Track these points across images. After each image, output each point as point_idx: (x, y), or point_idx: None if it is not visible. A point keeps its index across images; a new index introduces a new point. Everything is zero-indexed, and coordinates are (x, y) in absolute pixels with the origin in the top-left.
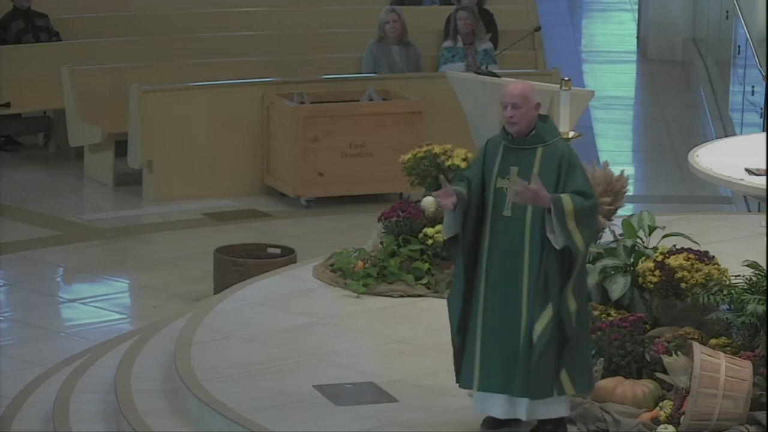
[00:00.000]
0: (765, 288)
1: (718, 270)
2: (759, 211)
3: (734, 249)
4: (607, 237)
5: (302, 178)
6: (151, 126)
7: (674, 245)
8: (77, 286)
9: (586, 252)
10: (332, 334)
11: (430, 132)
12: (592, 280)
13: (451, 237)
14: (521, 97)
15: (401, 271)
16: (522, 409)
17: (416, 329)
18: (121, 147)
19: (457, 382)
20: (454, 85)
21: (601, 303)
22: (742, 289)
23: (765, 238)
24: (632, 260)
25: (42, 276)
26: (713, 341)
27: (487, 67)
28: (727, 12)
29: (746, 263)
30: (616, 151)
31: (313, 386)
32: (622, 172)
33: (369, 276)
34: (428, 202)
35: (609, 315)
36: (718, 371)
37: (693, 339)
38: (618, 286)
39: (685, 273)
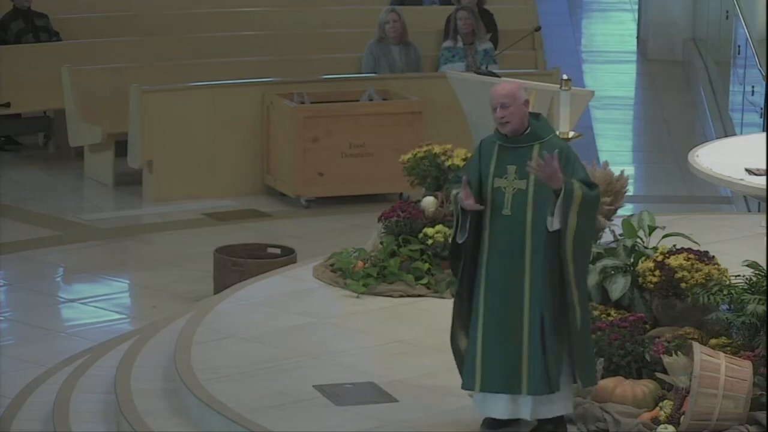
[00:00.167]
0: (765, 288)
1: (718, 270)
2: (759, 211)
3: (734, 249)
4: (607, 237)
5: (302, 178)
6: (151, 126)
7: (674, 245)
8: (77, 286)
9: (584, 240)
10: (332, 334)
11: (430, 132)
12: (592, 280)
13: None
14: (508, 96)
15: (401, 271)
16: (526, 408)
17: (416, 329)
18: (121, 147)
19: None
20: (454, 85)
21: (601, 303)
22: (742, 289)
23: (765, 238)
24: (632, 260)
25: (42, 276)
26: (713, 341)
27: (487, 67)
28: (727, 12)
29: (746, 263)
30: (616, 151)
31: (313, 386)
32: (622, 172)
33: (369, 276)
34: (428, 202)
35: (609, 315)
36: (718, 371)
37: (693, 339)
38: (618, 286)
39: (685, 273)
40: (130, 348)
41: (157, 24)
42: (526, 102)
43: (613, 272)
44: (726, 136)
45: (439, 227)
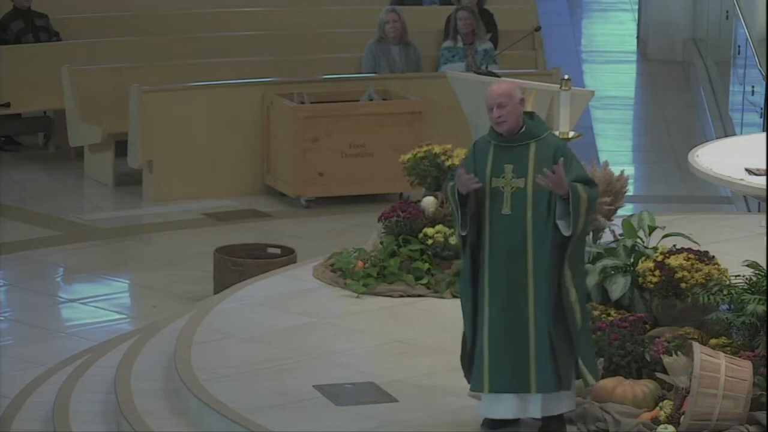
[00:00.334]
0: (765, 288)
1: (718, 270)
2: (759, 211)
3: (734, 249)
4: (607, 237)
5: (302, 178)
6: (151, 126)
7: (674, 245)
8: (77, 286)
9: (582, 235)
10: (332, 334)
11: (430, 132)
12: (592, 280)
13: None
14: (505, 96)
15: (401, 271)
16: (535, 406)
17: (416, 329)
18: (121, 147)
19: (468, 380)
20: (454, 85)
21: (601, 303)
22: (742, 289)
23: (765, 238)
24: (632, 260)
25: (42, 276)
26: (713, 341)
27: (487, 67)
28: (727, 12)
29: (746, 263)
30: (616, 151)
31: (313, 386)
32: (622, 172)
33: (369, 276)
34: (428, 202)
35: (609, 315)
36: (718, 371)
37: (693, 339)
38: (618, 286)
39: (685, 273)
40: (130, 348)
41: (157, 24)
42: (522, 101)
43: (613, 272)
44: (726, 136)
45: (439, 227)
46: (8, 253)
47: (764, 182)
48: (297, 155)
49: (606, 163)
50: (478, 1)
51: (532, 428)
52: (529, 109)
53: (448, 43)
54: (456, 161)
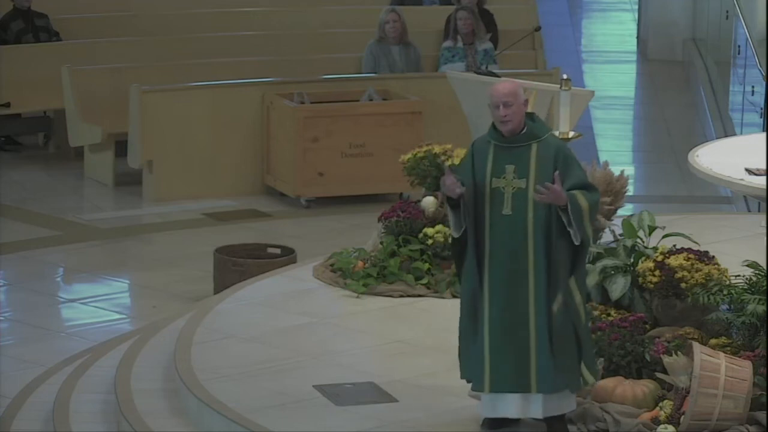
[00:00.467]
0: (765, 288)
1: (718, 270)
2: (759, 211)
3: (734, 249)
4: (607, 237)
5: (302, 178)
6: (151, 126)
7: (674, 245)
8: (77, 286)
9: (588, 240)
10: (332, 334)
11: (430, 132)
12: (592, 280)
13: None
14: (511, 95)
15: (401, 271)
16: (537, 406)
17: (416, 329)
18: (121, 147)
19: (462, 376)
20: (454, 85)
21: (601, 303)
22: (742, 289)
23: (765, 238)
24: (632, 260)
25: (42, 276)
26: (713, 341)
27: (487, 67)
28: (727, 12)
29: (746, 263)
30: (616, 151)
31: (313, 386)
32: (622, 172)
33: (369, 276)
34: (428, 202)
35: (609, 315)
36: (718, 371)
37: (693, 339)
38: (618, 286)
39: (685, 273)
40: (130, 348)
41: (157, 24)
42: (526, 102)
43: (613, 272)
44: (726, 136)
45: (439, 227)
46: (8, 253)
47: (764, 182)
48: (297, 155)
49: (606, 163)
50: (478, 1)
51: (533, 428)
52: (529, 109)
53: (448, 43)
54: (456, 161)
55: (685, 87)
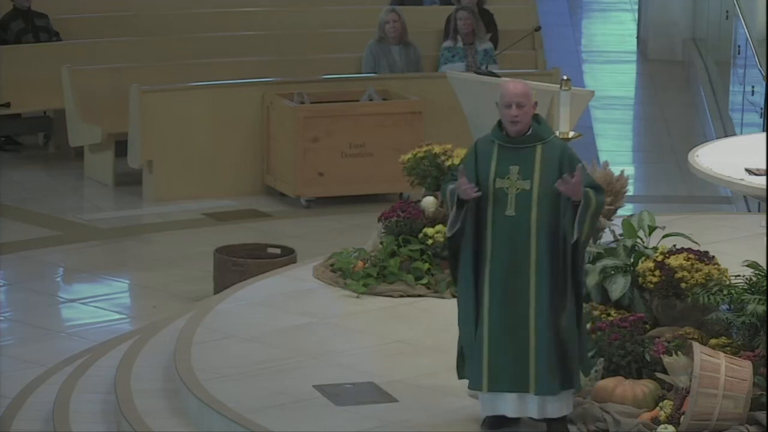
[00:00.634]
0: (765, 288)
1: (718, 270)
2: (759, 211)
3: (734, 249)
4: (607, 237)
5: (302, 178)
6: (151, 126)
7: (674, 245)
8: (77, 286)
9: (587, 241)
10: (332, 334)
11: (430, 132)
12: (592, 280)
13: (453, 235)
14: (524, 96)
15: (401, 271)
16: (533, 406)
17: (416, 329)
18: (121, 147)
19: (460, 377)
20: (454, 85)
21: (601, 303)
22: (742, 289)
23: (765, 238)
24: (632, 260)
25: (42, 276)
26: (713, 341)
27: (487, 67)
28: (727, 12)
29: (746, 263)
30: (616, 151)
31: (313, 386)
32: (622, 172)
33: (369, 276)
34: (428, 202)
35: (609, 315)
36: (718, 371)
37: (693, 339)
38: (618, 286)
39: (685, 273)
40: (130, 348)
41: (157, 24)
42: (535, 104)
43: (613, 272)
44: (726, 136)
45: (439, 227)
46: (8, 253)
47: (764, 182)
48: (297, 155)
49: (606, 163)
50: (478, 1)
51: (533, 428)
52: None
53: (448, 43)
54: (456, 161)
55: (685, 87)
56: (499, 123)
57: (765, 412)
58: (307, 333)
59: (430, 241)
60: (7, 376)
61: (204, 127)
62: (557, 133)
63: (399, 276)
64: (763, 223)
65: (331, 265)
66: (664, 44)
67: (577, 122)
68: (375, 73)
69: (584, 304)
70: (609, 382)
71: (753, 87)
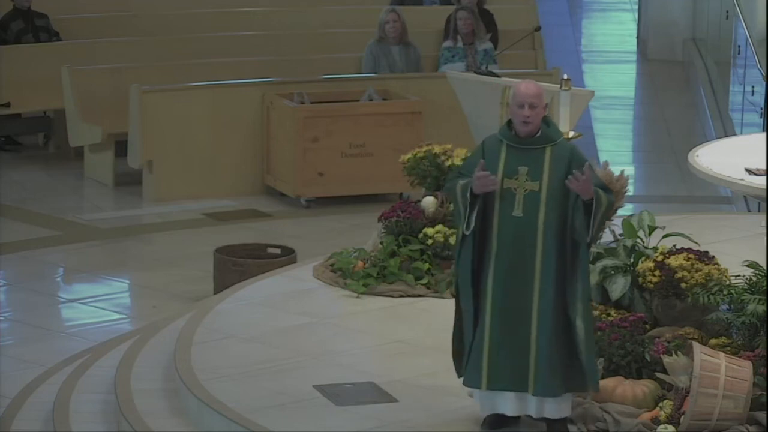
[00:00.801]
0: (765, 288)
1: (718, 270)
2: (759, 211)
3: (734, 249)
4: (607, 237)
5: (302, 178)
6: (151, 126)
7: (674, 245)
8: (77, 286)
9: (594, 241)
10: (332, 334)
11: (430, 132)
12: (592, 280)
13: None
14: (537, 97)
15: (401, 271)
16: (532, 405)
17: (416, 329)
18: (121, 147)
19: (459, 375)
20: (454, 85)
21: (601, 303)
22: (742, 289)
23: (765, 238)
24: (632, 260)
25: (42, 276)
26: (713, 341)
27: (487, 67)
28: (727, 12)
29: (746, 263)
30: (616, 151)
31: (313, 386)
32: (622, 172)
33: (369, 276)
34: (428, 202)
35: (609, 315)
36: (718, 371)
37: (693, 339)
38: (618, 286)
39: (685, 273)
40: (130, 348)
41: (157, 24)
42: (546, 106)
43: (613, 272)
44: (726, 136)
45: (439, 227)
46: (8, 253)
47: (764, 182)
48: (297, 155)
49: (606, 163)
50: (478, 1)
51: (532, 428)
52: None
53: (448, 43)
54: (456, 161)
55: (685, 87)
56: (508, 123)
57: (765, 412)
58: (307, 333)
59: (430, 241)
60: (7, 376)
61: (204, 127)
62: None
63: (399, 276)
64: (763, 223)
65: (331, 265)
66: (664, 44)
67: (577, 122)
68: (375, 73)
69: None
70: (609, 382)
71: (753, 87)
